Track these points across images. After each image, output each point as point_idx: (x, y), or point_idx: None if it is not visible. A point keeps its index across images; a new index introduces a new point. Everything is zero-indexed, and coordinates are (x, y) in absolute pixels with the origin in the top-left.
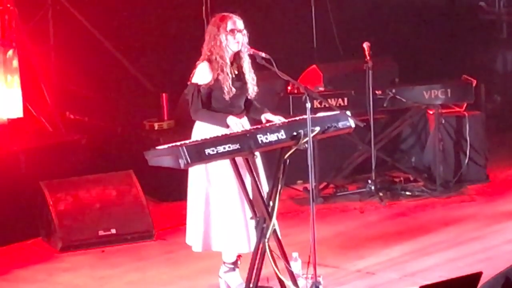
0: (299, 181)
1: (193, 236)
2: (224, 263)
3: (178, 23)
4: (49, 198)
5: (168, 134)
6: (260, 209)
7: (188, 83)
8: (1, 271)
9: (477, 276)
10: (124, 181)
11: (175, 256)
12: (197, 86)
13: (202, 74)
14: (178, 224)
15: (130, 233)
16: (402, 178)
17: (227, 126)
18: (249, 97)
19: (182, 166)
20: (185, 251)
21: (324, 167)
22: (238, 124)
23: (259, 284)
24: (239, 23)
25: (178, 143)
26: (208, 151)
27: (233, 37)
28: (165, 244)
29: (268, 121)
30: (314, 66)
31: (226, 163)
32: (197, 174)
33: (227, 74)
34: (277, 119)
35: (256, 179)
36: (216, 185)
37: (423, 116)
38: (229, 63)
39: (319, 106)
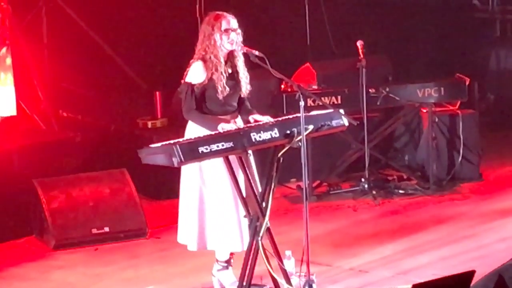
0: (292, 179)
1: (188, 235)
2: (217, 261)
3: (172, 21)
4: (42, 196)
5: (162, 132)
6: (254, 207)
7: (182, 81)
8: None
9: (470, 274)
10: (118, 179)
11: (169, 254)
12: (191, 85)
13: (196, 73)
14: (171, 222)
15: (123, 231)
16: (395, 177)
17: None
18: (242, 96)
19: (175, 164)
20: (178, 249)
21: (318, 165)
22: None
23: (252, 282)
24: (233, 22)
25: (172, 141)
26: (201, 149)
27: (227, 37)
28: (159, 242)
29: (256, 121)
30: (307, 64)
31: (219, 161)
32: (190, 173)
33: (221, 74)
34: (265, 119)
35: (250, 177)
36: (210, 184)
37: (416, 114)
38: (223, 62)
39: (312, 104)
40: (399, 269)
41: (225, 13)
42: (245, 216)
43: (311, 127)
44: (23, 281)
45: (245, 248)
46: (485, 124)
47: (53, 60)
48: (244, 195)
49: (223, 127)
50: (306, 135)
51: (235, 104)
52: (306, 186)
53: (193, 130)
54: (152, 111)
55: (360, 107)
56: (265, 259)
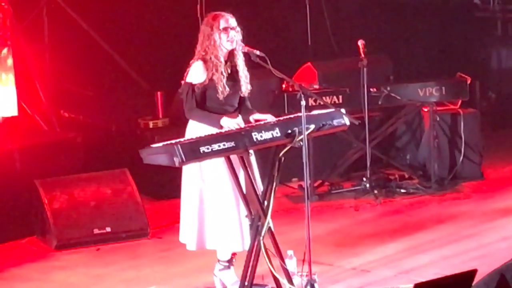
0: (294, 179)
1: (187, 234)
2: (219, 261)
3: (173, 21)
4: (44, 197)
5: (163, 132)
6: (255, 207)
7: (182, 82)
8: None
9: (472, 273)
10: (119, 179)
11: (170, 254)
12: (191, 85)
13: (196, 74)
14: (173, 222)
15: (125, 231)
16: (397, 176)
17: (221, 127)
18: (242, 95)
19: (177, 164)
20: (180, 249)
21: (319, 165)
22: (232, 125)
23: (254, 282)
24: (232, 21)
25: (173, 141)
26: (203, 149)
27: (226, 35)
28: (160, 242)
29: (256, 120)
30: (308, 63)
31: (220, 161)
32: (191, 172)
33: (222, 74)
34: (266, 118)
35: (251, 177)
36: (210, 183)
37: (417, 113)
38: (223, 62)
39: (314, 104)
40: (400, 269)
41: (223, 13)
42: (246, 216)
43: (312, 126)
44: (25, 281)
45: (246, 248)
46: (486, 123)
47: (54, 60)
48: (246, 194)
49: (225, 120)
50: (308, 134)
51: (236, 104)
52: (308, 185)
53: (194, 129)
54: (154, 111)
55: (362, 107)
56: (266, 258)
